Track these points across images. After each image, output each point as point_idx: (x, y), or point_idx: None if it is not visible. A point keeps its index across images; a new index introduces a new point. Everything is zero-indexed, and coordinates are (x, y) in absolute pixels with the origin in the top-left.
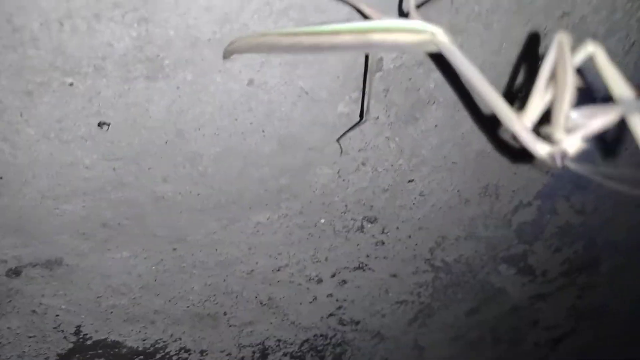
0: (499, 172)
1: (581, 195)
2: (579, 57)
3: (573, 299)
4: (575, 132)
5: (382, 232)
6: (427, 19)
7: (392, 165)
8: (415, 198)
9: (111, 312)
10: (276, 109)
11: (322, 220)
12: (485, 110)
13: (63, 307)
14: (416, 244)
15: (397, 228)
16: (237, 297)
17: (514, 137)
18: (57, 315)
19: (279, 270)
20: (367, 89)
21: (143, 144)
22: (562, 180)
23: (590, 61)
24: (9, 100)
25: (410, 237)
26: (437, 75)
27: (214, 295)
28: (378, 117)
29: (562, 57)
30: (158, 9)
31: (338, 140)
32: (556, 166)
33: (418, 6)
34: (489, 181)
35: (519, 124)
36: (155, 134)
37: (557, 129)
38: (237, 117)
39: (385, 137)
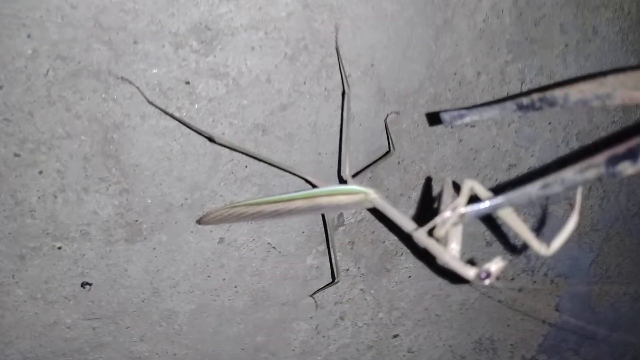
0: (489, 325)
1: (592, 347)
2: (465, 189)
3: None
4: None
5: None
6: (372, 180)
7: (372, 319)
8: (404, 355)
9: None
10: (247, 264)
11: None
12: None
13: None
14: None
15: None
16: None
17: (447, 266)
18: None
19: None
20: (331, 250)
21: (122, 303)
22: (563, 331)
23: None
24: (4, 263)
25: None
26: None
27: None
28: (349, 269)
29: (449, 192)
30: (137, 181)
31: (312, 295)
32: (484, 285)
33: (354, 175)
34: (481, 334)
35: (448, 255)
36: (133, 292)
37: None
38: (209, 274)
39: (359, 290)
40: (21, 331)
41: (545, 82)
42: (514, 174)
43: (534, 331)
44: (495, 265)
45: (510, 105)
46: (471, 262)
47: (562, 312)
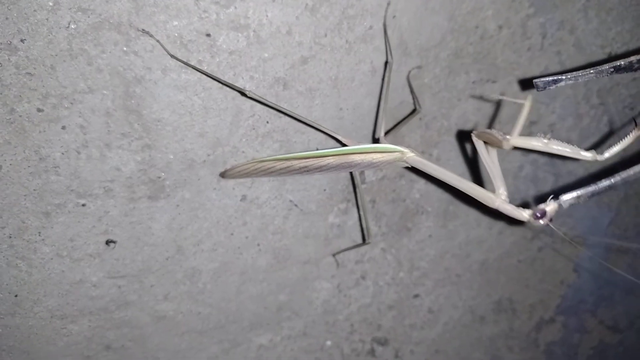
0: (508, 285)
1: (608, 309)
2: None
3: None
4: None
5: (396, 357)
6: (393, 137)
7: (393, 279)
8: (424, 315)
9: None
10: (269, 222)
11: (329, 343)
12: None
13: None
14: None
15: (412, 352)
16: None
17: (499, 210)
18: None
19: None
20: (361, 212)
21: (146, 261)
22: (581, 292)
23: None
24: (30, 220)
25: None
26: (420, 185)
27: None
28: (370, 228)
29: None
30: (159, 137)
31: (335, 255)
32: (540, 225)
33: (385, 133)
34: (501, 295)
35: (498, 200)
36: (157, 250)
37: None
38: (232, 231)
39: (380, 249)
40: (48, 289)
41: (566, 37)
42: (535, 130)
43: (552, 292)
44: (550, 206)
45: (607, 68)
46: (523, 206)
47: (580, 272)
